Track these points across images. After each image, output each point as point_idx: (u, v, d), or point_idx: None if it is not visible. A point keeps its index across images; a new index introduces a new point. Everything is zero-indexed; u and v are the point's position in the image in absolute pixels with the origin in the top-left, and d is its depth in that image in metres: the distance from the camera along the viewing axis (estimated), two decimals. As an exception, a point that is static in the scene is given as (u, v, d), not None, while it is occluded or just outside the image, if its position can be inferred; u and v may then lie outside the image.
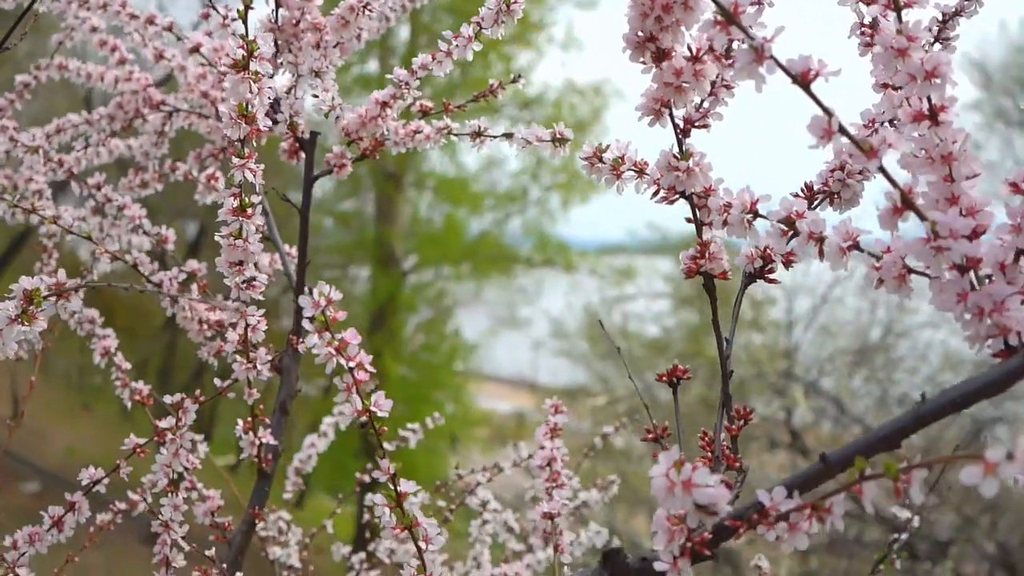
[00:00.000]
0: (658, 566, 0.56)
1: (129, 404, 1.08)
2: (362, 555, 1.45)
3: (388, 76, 0.95)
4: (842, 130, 0.51)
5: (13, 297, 0.68)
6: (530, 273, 11.89)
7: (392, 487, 0.65)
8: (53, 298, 0.66)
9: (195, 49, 1.01)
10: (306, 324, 0.61)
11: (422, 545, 0.65)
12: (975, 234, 0.54)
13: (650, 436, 0.74)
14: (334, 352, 0.62)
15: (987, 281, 0.53)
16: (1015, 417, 6.42)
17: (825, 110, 0.52)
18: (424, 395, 10.14)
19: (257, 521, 1.00)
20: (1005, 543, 6.03)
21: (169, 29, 1.10)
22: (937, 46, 0.70)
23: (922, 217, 0.52)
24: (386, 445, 0.66)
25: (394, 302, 11.19)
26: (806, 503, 0.51)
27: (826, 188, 0.69)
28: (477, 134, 0.97)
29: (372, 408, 0.64)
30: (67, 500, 0.92)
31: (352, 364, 0.62)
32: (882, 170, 0.52)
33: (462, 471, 1.36)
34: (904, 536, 1.12)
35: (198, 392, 0.95)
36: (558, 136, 0.82)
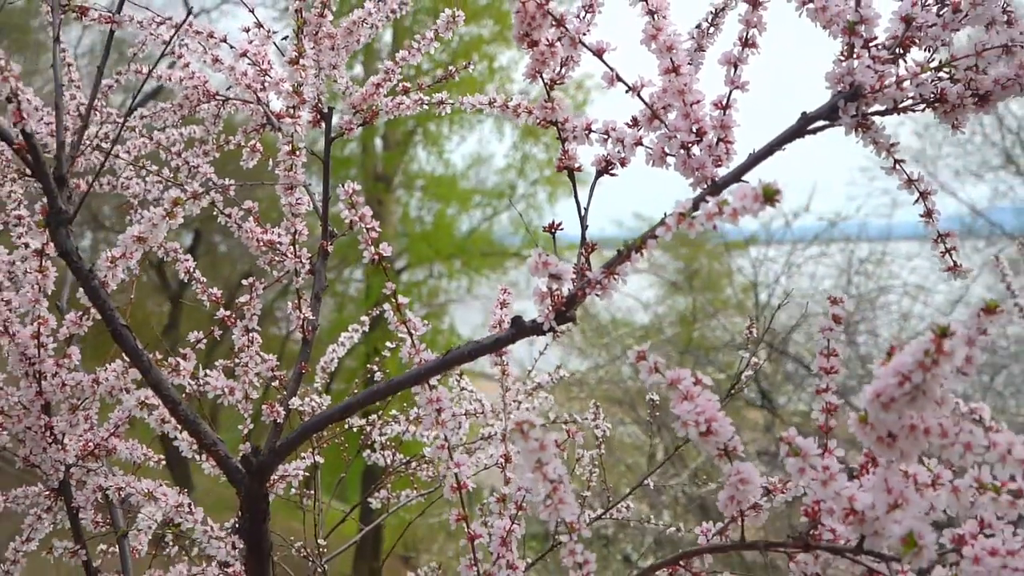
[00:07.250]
0: (538, 318, 1.03)
1: (208, 304, 1.55)
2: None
3: (379, 66, 1.43)
4: (618, 78, 0.99)
5: (163, 203, 1.15)
6: (521, 267, 12.33)
7: (394, 300, 1.12)
8: (191, 200, 1.13)
9: (243, 54, 1.48)
10: (340, 204, 1.08)
11: (412, 331, 1.12)
12: (699, 133, 1.01)
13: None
14: (358, 220, 1.09)
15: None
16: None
17: (610, 68, 0.99)
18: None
19: (303, 372, 1.47)
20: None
21: (224, 40, 1.57)
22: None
23: (664, 124, 1.00)
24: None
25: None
26: (607, 272, 0.98)
27: (645, 119, 1.16)
28: (442, 102, 1.45)
29: (380, 252, 1.11)
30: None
31: (369, 226, 1.10)
32: (640, 98, 0.99)
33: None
34: (750, 373, 1.60)
35: (262, 280, 1.42)
36: (492, 100, 1.29)
